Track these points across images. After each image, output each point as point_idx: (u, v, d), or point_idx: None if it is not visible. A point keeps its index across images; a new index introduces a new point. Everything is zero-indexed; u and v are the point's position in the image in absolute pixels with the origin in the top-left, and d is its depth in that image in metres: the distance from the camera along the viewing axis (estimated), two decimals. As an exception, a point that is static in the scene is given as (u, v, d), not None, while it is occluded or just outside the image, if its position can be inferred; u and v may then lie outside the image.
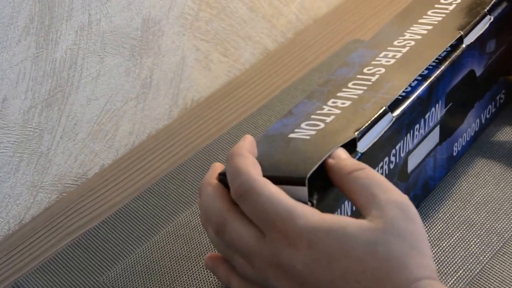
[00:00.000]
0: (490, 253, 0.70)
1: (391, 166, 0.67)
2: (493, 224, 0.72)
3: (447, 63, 0.71)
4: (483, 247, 0.70)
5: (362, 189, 0.58)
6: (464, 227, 0.72)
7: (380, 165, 0.66)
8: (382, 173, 0.66)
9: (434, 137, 0.72)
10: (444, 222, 0.73)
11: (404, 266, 0.55)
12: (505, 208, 0.74)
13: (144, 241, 0.75)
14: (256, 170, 0.60)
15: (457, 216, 0.73)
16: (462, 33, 0.72)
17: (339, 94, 0.67)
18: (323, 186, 0.60)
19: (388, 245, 0.56)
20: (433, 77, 0.69)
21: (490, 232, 0.72)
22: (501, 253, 0.70)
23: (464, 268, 0.69)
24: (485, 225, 0.72)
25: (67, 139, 0.82)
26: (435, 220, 0.73)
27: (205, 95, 0.95)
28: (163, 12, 0.87)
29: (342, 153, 0.61)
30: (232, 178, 0.60)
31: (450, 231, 0.72)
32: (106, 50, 0.83)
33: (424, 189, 0.73)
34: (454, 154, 0.76)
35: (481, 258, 0.70)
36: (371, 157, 0.64)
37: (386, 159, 0.66)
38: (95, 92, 0.83)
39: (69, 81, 0.80)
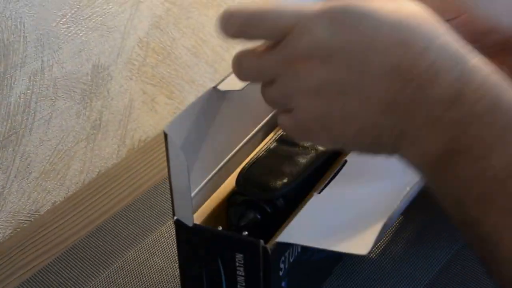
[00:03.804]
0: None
1: None
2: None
3: None
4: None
5: None
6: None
7: None
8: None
9: None
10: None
11: (423, 23, 0.53)
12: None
13: (95, 276, 0.75)
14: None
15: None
16: None
17: None
18: None
19: (399, 11, 0.54)
20: None
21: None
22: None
23: None
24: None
25: (21, 178, 0.82)
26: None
27: (151, 135, 0.96)
28: (112, 58, 0.88)
29: None
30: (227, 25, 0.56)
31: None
32: (58, 94, 0.83)
33: None
34: None
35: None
36: None
37: None
38: (47, 133, 0.83)
39: (23, 123, 0.80)
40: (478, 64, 0.52)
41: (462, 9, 0.67)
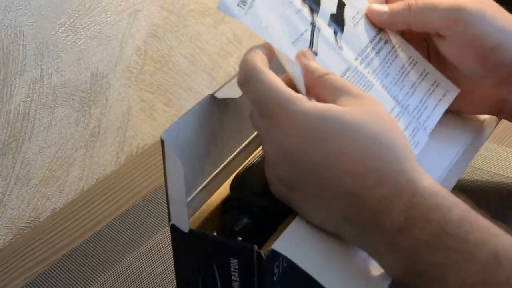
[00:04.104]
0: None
1: None
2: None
3: None
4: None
5: (332, 89, 0.60)
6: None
7: None
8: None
9: None
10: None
11: (394, 145, 0.57)
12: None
13: (93, 282, 0.75)
14: (262, 62, 0.61)
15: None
16: None
17: None
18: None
19: (377, 125, 0.58)
20: None
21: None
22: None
23: None
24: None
25: (21, 185, 0.83)
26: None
27: (149, 143, 0.96)
28: (110, 66, 0.88)
29: (309, 54, 0.63)
30: (240, 67, 0.61)
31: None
32: (57, 102, 0.83)
33: None
34: None
35: None
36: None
37: None
38: (46, 141, 0.84)
39: (23, 131, 0.81)
40: (428, 189, 0.56)
41: (469, 25, 0.69)
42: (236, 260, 0.60)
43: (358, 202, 0.57)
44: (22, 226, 0.84)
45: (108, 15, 0.87)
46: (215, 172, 0.69)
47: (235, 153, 0.71)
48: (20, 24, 0.78)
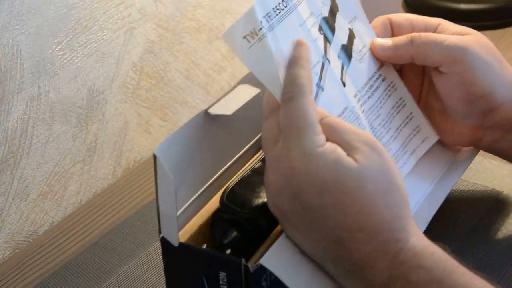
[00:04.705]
0: None
1: None
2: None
3: None
4: None
5: (334, 131, 0.61)
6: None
7: None
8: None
9: None
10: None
11: (388, 204, 0.59)
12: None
13: (90, 292, 0.76)
14: (309, 84, 0.61)
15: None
16: None
17: None
18: None
19: (374, 182, 0.59)
20: None
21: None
22: None
23: None
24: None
25: (19, 200, 0.84)
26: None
27: (146, 156, 0.98)
28: (107, 82, 0.90)
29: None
30: (286, 84, 0.62)
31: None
32: (54, 119, 0.85)
33: None
34: None
35: None
36: None
37: None
38: (44, 156, 0.85)
39: (20, 147, 0.82)
40: (413, 249, 0.58)
41: (468, 67, 0.70)
42: (224, 273, 0.61)
43: (345, 252, 0.59)
44: (21, 240, 0.85)
45: (105, 33, 0.88)
46: (206, 185, 0.70)
47: (225, 166, 0.72)
48: (17, 43, 0.79)
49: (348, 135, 0.61)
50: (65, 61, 0.84)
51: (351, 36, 0.71)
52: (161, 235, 0.64)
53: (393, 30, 0.74)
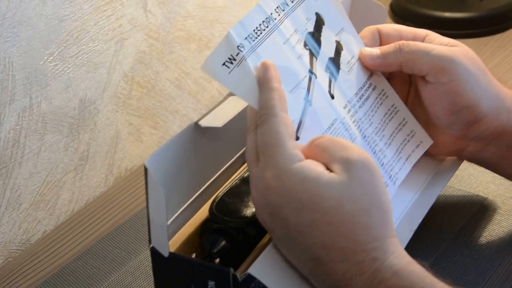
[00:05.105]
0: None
1: None
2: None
3: None
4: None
5: (324, 151, 0.61)
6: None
7: None
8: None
9: None
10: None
11: (367, 224, 0.58)
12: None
13: (82, 300, 0.77)
14: (280, 103, 0.62)
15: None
16: None
17: None
18: None
19: (354, 202, 0.58)
20: None
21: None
22: None
23: None
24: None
25: (12, 209, 0.84)
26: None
27: (137, 164, 0.98)
28: (98, 92, 0.90)
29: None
30: (259, 108, 0.63)
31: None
32: (46, 129, 0.85)
33: None
34: None
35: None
36: None
37: None
38: (36, 166, 0.85)
39: (13, 157, 0.83)
40: (390, 268, 0.58)
41: (454, 78, 0.70)
42: (213, 282, 0.62)
43: (323, 269, 0.60)
44: (14, 249, 0.86)
45: (96, 44, 0.89)
46: (195, 195, 0.70)
47: (215, 176, 0.73)
48: (9, 55, 0.79)
49: (338, 153, 0.61)
50: (56, 72, 0.85)
51: (339, 48, 0.72)
52: (151, 245, 0.64)
53: (381, 40, 0.75)
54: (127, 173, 0.97)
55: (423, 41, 0.74)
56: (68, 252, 0.84)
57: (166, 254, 0.63)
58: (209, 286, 0.62)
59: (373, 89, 0.74)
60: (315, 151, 0.62)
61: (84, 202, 0.93)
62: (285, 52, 0.67)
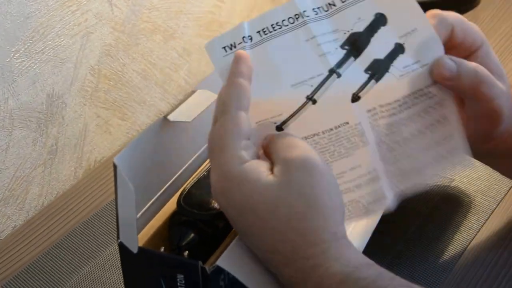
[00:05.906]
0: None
1: None
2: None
3: None
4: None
5: (272, 150, 0.60)
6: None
7: None
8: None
9: None
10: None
11: (305, 229, 0.56)
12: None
13: (53, 294, 0.77)
14: (236, 100, 0.60)
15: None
16: None
17: None
18: None
19: (290, 205, 0.56)
20: None
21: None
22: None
23: None
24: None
25: (-19, 206, 0.84)
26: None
27: (106, 155, 0.98)
28: (66, 86, 0.90)
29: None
30: (217, 102, 0.62)
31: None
32: (14, 125, 0.85)
33: None
34: None
35: None
36: None
37: None
38: (5, 162, 0.85)
39: (-19, 154, 0.82)
40: (335, 276, 0.55)
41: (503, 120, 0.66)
42: (182, 275, 0.62)
43: (276, 270, 0.59)
44: (-16, 245, 0.86)
45: (62, 39, 0.88)
46: (164, 187, 0.70)
47: (183, 168, 0.73)
48: (-25, 53, 0.79)
49: (281, 153, 0.59)
50: (23, 68, 0.84)
51: (397, 51, 0.67)
52: (119, 241, 0.64)
53: (452, 35, 0.67)
54: (97, 165, 0.97)
55: (478, 50, 0.68)
56: (38, 247, 0.84)
57: (135, 251, 0.63)
58: (178, 279, 0.62)
59: (430, 98, 0.67)
60: (267, 149, 0.61)
61: (53, 196, 0.92)
62: (303, 48, 0.66)
